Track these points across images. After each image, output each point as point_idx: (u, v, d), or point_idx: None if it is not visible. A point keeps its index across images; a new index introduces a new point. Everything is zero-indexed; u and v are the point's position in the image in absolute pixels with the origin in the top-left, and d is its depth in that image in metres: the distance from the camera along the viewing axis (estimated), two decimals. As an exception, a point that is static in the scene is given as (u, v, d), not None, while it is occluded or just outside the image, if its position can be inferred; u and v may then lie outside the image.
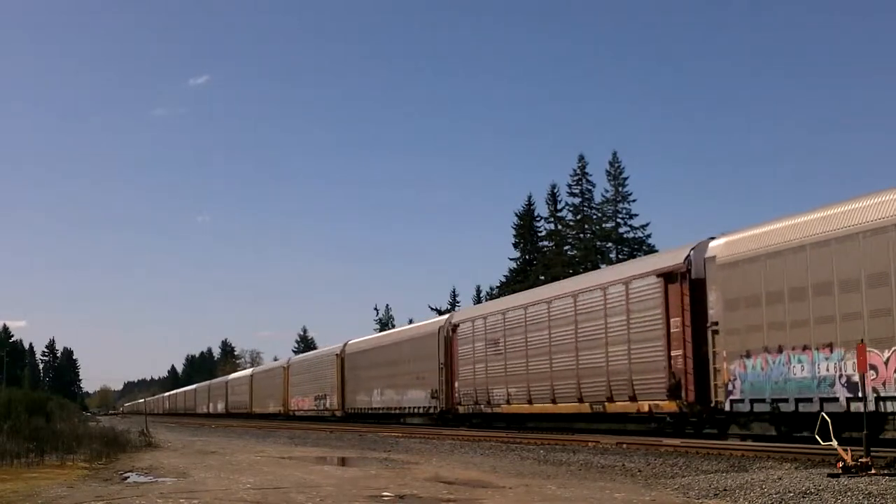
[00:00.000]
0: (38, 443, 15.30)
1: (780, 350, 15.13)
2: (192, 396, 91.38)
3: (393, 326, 77.12)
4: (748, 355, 15.80)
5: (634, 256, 49.17)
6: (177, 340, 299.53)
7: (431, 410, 30.80)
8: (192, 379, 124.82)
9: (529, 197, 60.80)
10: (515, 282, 56.03)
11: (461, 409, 28.27)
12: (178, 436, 27.99)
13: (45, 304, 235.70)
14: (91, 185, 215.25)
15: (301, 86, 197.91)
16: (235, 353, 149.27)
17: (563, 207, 59.22)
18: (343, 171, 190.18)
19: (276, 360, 73.83)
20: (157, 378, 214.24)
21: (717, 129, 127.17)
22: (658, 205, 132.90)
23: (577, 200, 58.68)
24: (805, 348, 14.61)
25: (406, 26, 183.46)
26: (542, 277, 50.38)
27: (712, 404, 16.93)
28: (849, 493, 8.12)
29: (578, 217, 58.60)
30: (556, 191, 59.40)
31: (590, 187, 58.33)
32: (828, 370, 14.13)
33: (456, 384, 28.46)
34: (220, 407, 73.26)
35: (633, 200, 56.85)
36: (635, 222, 56.46)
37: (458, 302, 70.46)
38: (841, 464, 9.74)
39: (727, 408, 16.39)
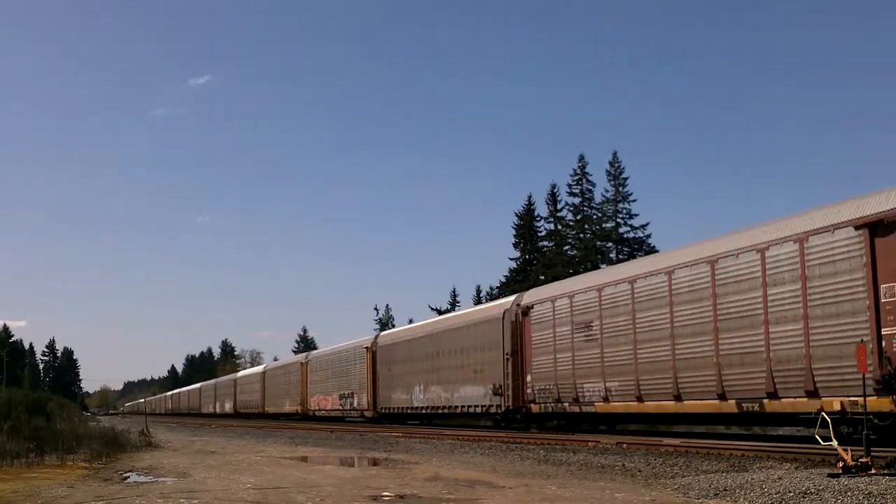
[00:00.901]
0: (38, 443, 15.29)
1: None
2: (197, 396, 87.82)
3: (393, 326, 76.93)
4: None
5: (635, 256, 49.17)
6: (177, 340, 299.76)
7: (493, 409, 25.97)
8: (192, 379, 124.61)
9: (529, 197, 60.96)
10: (515, 282, 56.08)
11: (535, 408, 23.33)
12: (179, 436, 28.00)
13: (45, 304, 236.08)
14: (91, 185, 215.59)
15: (301, 86, 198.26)
16: (235, 353, 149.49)
17: (563, 207, 59.34)
18: (343, 171, 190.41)
19: (276, 359, 72.85)
20: (157, 378, 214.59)
21: (717, 130, 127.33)
22: (658, 205, 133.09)
23: (577, 200, 58.81)
24: None
25: (406, 26, 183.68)
26: (542, 277, 50.38)
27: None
28: (849, 493, 8.12)
29: (578, 217, 58.66)
30: (556, 191, 59.52)
31: (590, 187, 58.47)
32: None
33: (528, 378, 23.56)
34: (228, 406, 69.55)
35: (633, 200, 57.00)
36: (635, 222, 56.61)
37: (458, 302, 70.52)
38: (841, 464, 9.74)
39: None
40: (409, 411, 32.89)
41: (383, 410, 35.40)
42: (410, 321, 60.27)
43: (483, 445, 18.53)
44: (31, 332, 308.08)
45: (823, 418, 11.23)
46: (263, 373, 58.93)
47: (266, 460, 14.93)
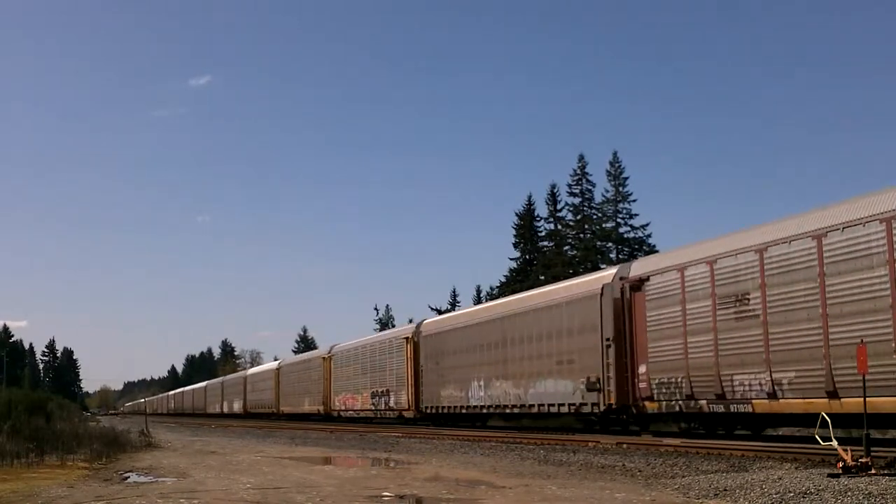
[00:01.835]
0: (38, 443, 15.29)
1: None
2: (203, 395, 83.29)
3: (393, 326, 76.66)
4: None
5: (635, 257, 49.18)
6: (177, 340, 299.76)
7: (586, 409, 21.16)
8: (193, 379, 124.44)
9: (529, 197, 60.94)
10: (515, 282, 56.10)
11: (652, 407, 18.55)
12: (178, 436, 28.00)
13: (45, 304, 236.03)
14: (91, 186, 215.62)
15: (301, 86, 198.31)
16: (235, 353, 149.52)
17: (563, 207, 59.33)
18: (343, 171, 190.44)
19: (276, 359, 72.48)
20: (157, 378, 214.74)
21: (717, 130, 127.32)
22: (658, 205, 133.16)
23: (577, 200, 58.80)
24: None
25: (406, 26, 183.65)
26: (542, 277, 50.39)
27: None
28: (849, 494, 8.11)
29: (578, 217, 58.65)
30: (555, 191, 59.50)
31: (590, 187, 58.46)
32: None
33: (641, 369, 18.89)
34: (238, 406, 64.97)
35: (634, 200, 56.96)
36: (635, 222, 56.57)
37: (458, 302, 70.39)
38: (841, 464, 9.74)
39: None
40: (463, 411, 28.09)
41: (428, 410, 30.64)
42: (410, 321, 59.52)
43: (483, 445, 18.53)
44: (32, 333, 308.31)
45: (823, 418, 11.22)
46: (278, 369, 53.90)
47: (266, 460, 14.93)
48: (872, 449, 10.32)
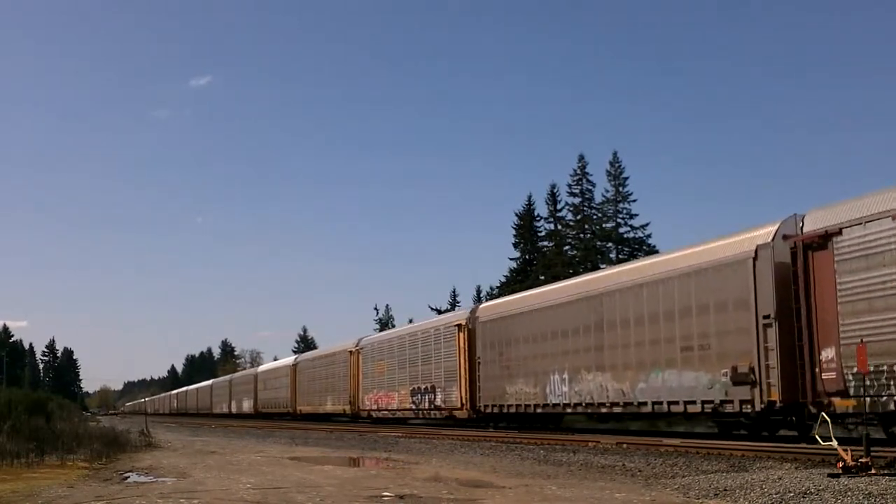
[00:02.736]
0: (39, 443, 15.29)
1: None
2: (208, 394, 79.16)
3: (393, 326, 76.43)
4: None
5: (635, 257, 49.15)
6: (177, 340, 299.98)
7: (730, 407, 16.63)
8: (193, 379, 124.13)
9: (529, 197, 60.98)
10: (516, 282, 56.09)
11: (845, 404, 14.09)
12: (178, 436, 28.00)
13: (45, 304, 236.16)
14: (91, 186, 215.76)
15: (301, 86, 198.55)
16: (235, 353, 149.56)
17: (563, 207, 59.36)
18: (343, 171, 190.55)
19: (276, 359, 71.68)
20: (157, 378, 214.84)
21: (717, 129, 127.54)
22: (658, 205, 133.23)
23: (577, 200, 58.83)
24: None
25: (406, 26, 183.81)
26: (542, 277, 50.39)
27: None
28: (849, 494, 8.11)
29: (579, 217, 58.67)
30: (555, 191, 59.53)
31: (590, 187, 58.50)
32: None
33: (828, 354, 14.44)
34: (247, 406, 61.01)
35: (634, 200, 57.00)
36: (635, 222, 56.62)
37: (458, 302, 70.42)
38: (841, 464, 9.74)
39: None
40: (539, 410, 23.42)
41: (489, 409, 26.03)
42: (410, 321, 59.11)
43: (483, 445, 18.54)
44: (32, 332, 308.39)
45: (823, 418, 11.22)
46: (294, 365, 49.50)
47: (266, 460, 14.92)
48: (872, 449, 10.32)
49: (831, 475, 9.42)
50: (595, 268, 47.38)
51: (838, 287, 14.23)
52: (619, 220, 56.91)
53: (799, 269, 15.06)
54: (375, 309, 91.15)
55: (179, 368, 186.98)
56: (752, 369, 15.98)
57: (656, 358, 18.58)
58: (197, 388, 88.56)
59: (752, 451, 13.44)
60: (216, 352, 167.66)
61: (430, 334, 30.68)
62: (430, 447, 18.64)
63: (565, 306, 22.28)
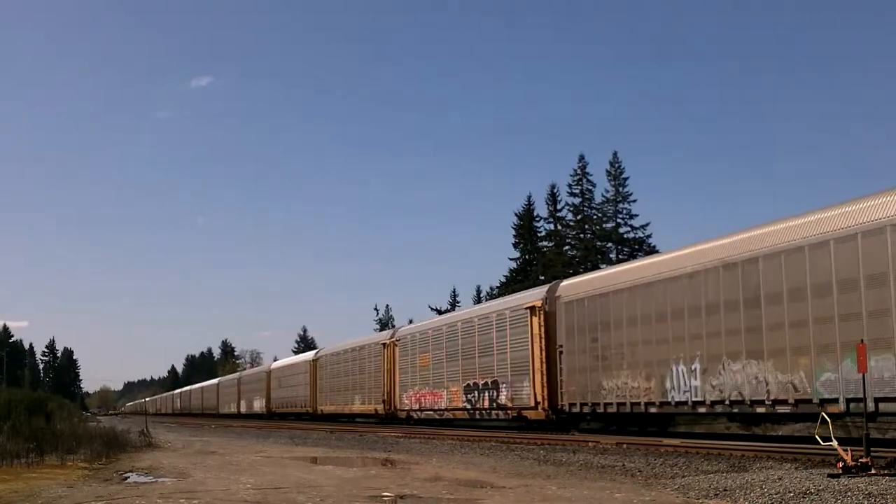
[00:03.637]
0: (38, 443, 15.29)
1: None
2: (214, 393, 74.96)
3: (393, 326, 76.32)
4: None
5: (635, 257, 49.14)
6: (177, 340, 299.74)
7: None
8: (193, 379, 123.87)
9: (529, 197, 60.95)
10: (516, 282, 56.08)
11: None
12: (178, 436, 28.00)
13: (45, 304, 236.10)
14: (92, 186, 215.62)
15: (302, 86, 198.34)
16: (235, 353, 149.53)
17: (563, 207, 59.36)
18: (343, 171, 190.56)
19: (276, 359, 70.72)
20: (157, 378, 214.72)
21: (717, 129, 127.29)
22: (658, 205, 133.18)
23: (577, 200, 58.80)
24: None
25: (406, 26, 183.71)
26: (542, 277, 50.39)
27: None
28: (849, 494, 8.12)
29: (579, 217, 58.67)
30: (555, 191, 59.52)
31: (590, 187, 58.47)
32: None
33: None
34: (259, 405, 56.96)
35: (634, 200, 56.98)
36: (635, 222, 56.59)
37: (458, 302, 70.52)
38: (841, 464, 9.74)
39: None
40: (652, 410, 18.74)
41: (575, 408, 21.47)
42: (410, 321, 58.97)
43: (483, 446, 18.54)
44: (32, 333, 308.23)
45: (823, 418, 11.23)
46: (315, 360, 45.10)
47: (266, 460, 14.93)
48: (872, 449, 10.32)
49: (831, 475, 9.42)
50: (595, 268, 47.15)
51: None
52: (619, 220, 56.92)
53: None
54: (375, 309, 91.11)
55: (179, 368, 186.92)
56: None
57: (852, 338, 13.27)
58: (202, 387, 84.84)
59: (752, 451, 13.45)
60: (216, 352, 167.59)
61: (492, 320, 25.76)
62: (430, 447, 18.64)
63: (696, 277, 17.54)
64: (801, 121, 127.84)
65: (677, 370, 17.87)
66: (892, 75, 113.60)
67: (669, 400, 18.03)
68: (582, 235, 58.34)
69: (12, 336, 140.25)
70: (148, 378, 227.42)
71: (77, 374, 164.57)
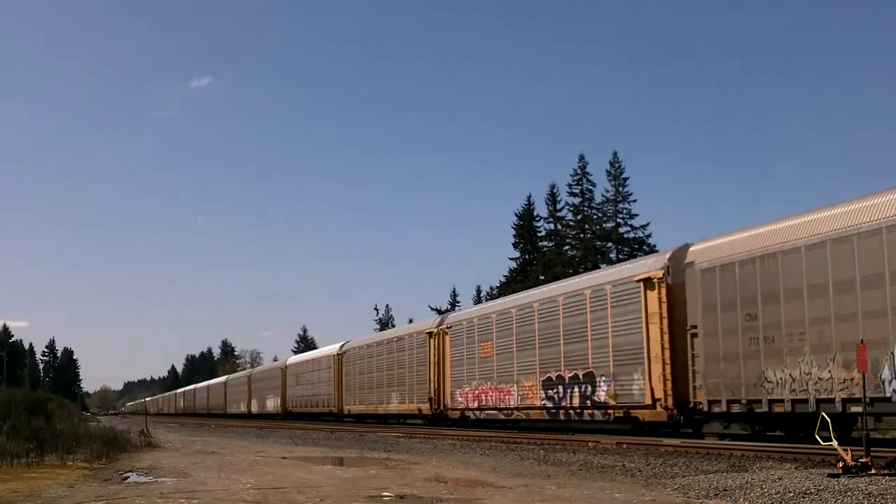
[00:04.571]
0: (39, 443, 15.29)
1: None
2: (221, 392, 71.15)
3: (392, 326, 76.20)
4: None
5: (635, 257, 49.10)
6: (177, 340, 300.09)
7: None
8: (193, 379, 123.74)
9: (529, 197, 61.03)
10: (515, 282, 56.09)
11: None
12: (179, 436, 28.00)
13: (45, 304, 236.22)
14: (92, 186, 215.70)
15: (302, 86, 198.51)
16: (235, 353, 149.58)
17: (563, 207, 59.42)
18: (343, 171, 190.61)
19: (276, 360, 69.85)
20: (157, 378, 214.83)
21: (717, 130, 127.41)
22: (658, 205, 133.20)
23: (577, 200, 58.87)
24: None
25: (406, 26, 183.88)
26: (542, 277, 50.38)
27: None
28: (849, 494, 8.12)
29: (579, 217, 58.72)
30: (555, 191, 59.56)
31: (590, 187, 58.55)
32: None
33: None
34: (272, 404, 53.01)
35: (634, 200, 57.05)
36: (635, 222, 56.67)
37: (458, 302, 70.58)
38: (841, 464, 9.74)
39: None
40: (854, 409, 13.83)
41: (719, 406, 16.63)
42: (411, 321, 58.80)
43: (483, 445, 18.54)
44: (32, 332, 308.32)
45: (823, 418, 11.22)
46: (340, 354, 40.82)
47: (266, 460, 14.92)
48: (872, 449, 10.32)
49: (831, 475, 9.42)
50: (595, 268, 47.05)
51: None
52: (619, 220, 56.99)
53: None
54: (375, 309, 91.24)
55: (179, 368, 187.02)
56: None
57: None
58: (208, 386, 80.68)
59: (752, 451, 13.45)
60: (216, 352, 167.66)
61: (584, 297, 21.09)
62: (430, 447, 18.64)
63: None
64: (801, 121, 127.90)
65: None
66: (892, 76, 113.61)
67: (888, 395, 13.17)
68: (582, 235, 58.38)
69: (12, 336, 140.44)
70: (148, 378, 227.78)
71: (77, 374, 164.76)
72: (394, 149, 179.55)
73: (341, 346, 41.57)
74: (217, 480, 10.98)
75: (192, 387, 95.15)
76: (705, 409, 17.08)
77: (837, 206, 14.82)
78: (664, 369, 18.16)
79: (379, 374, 35.22)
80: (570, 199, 59.07)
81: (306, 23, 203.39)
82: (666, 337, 18.20)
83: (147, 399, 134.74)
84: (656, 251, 44.61)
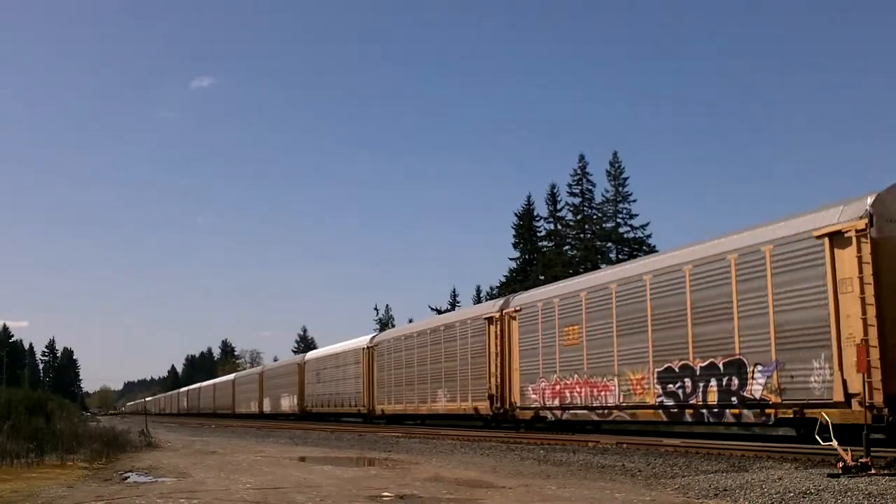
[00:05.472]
0: (38, 443, 15.29)
1: None
2: (228, 391, 66.78)
3: (393, 326, 76.15)
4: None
5: (635, 257, 49.10)
6: (177, 340, 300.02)
7: None
8: (193, 379, 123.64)
9: (529, 197, 61.04)
10: (515, 282, 56.09)
11: None
12: (179, 436, 28.00)
13: (45, 304, 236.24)
14: (92, 186, 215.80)
15: (302, 86, 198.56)
16: (235, 353, 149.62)
17: (563, 207, 59.45)
18: (343, 171, 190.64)
19: (276, 359, 69.10)
20: (157, 378, 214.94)
21: (717, 129, 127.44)
22: (658, 205, 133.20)
23: (577, 200, 58.91)
24: None
25: (406, 27, 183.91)
26: (542, 277, 50.38)
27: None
28: (849, 494, 8.11)
29: (579, 217, 58.74)
30: (555, 191, 59.58)
31: (590, 187, 58.60)
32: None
33: None
34: (287, 404, 48.76)
35: (634, 200, 57.08)
36: (635, 222, 56.69)
37: (458, 302, 70.55)
38: (841, 464, 9.74)
39: None
40: None
41: None
42: (410, 321, 58.76)
43: (483, 445, 18.54)
44: (32, 332, 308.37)
45: (823, 418, 11.21)
46: (370, 348, 36.11)
47: (266, 460, 14.92)
48: (872, 449, 10.32)
49: (831, 475, 9.41)
50: (595, 268, 47.05)
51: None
52: (619, 220, 57.02)
53: None
54: (375, 309, 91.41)
55: (179, 368, 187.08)
56: None
57: None
58: (214, 384, 76.54)
59: (752, 451, 13.44)
60: (216, 352, 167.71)
61: (726, 263, 16.11)
62: (430, 447, 18.64)
63: None
64: (801, 121, 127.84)
65: None
66: (893, 75, 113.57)
67: None
68: (582, 235, 58.40)
69: (12, 336, 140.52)
70: (148, 378, 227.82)
71: (77, 374, 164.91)
72: (394, 149, 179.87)
73: (371, 339, 37.27)
74: (217, 480, 10.98)
75: (196, 385, 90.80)
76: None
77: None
78: (864, 353, 13.12)
79: (421, 368, 30.41)
80: (570, 199, 59.17)
81: (306, 23, 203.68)
82: (872, 311, 13.19)
83: (148, 399, 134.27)
84: (656, 251, 43.53)
